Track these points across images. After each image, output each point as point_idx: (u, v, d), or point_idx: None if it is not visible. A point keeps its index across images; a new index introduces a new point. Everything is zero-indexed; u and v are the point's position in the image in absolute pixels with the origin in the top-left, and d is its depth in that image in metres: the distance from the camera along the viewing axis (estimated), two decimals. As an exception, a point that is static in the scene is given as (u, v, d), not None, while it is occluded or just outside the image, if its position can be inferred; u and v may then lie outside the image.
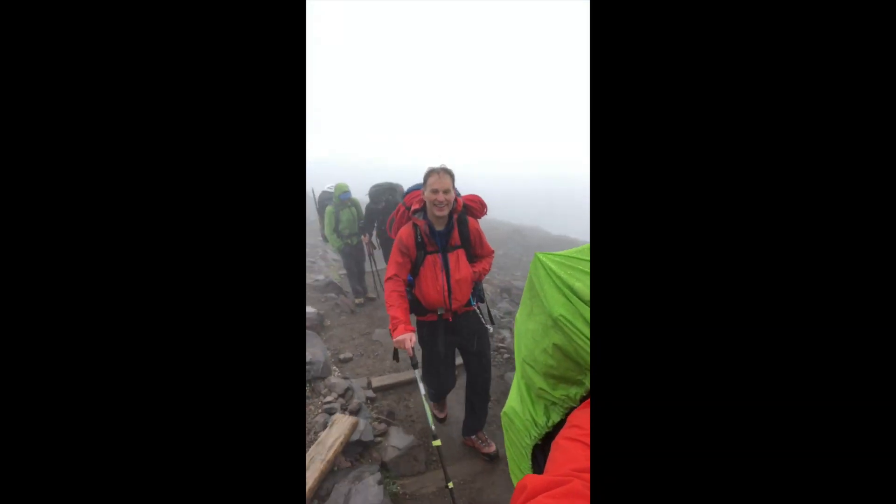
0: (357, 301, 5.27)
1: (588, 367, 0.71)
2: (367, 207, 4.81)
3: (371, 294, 5.51)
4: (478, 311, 2.41)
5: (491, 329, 2.51)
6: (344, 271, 6.08)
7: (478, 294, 2.45)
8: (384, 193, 4.57)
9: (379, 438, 2.74)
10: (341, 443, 2.40)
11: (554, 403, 0.78)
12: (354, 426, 2.55)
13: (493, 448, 2.59)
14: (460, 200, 2.19)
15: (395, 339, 2.02)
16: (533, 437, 0.82)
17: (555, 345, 0.75)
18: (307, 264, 6.73)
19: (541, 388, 0.79)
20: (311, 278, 5.93)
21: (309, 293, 5.40)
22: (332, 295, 5.49)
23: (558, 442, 0.61)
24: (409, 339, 2.02)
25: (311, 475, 2.15)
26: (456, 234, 2.18)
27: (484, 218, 2.35)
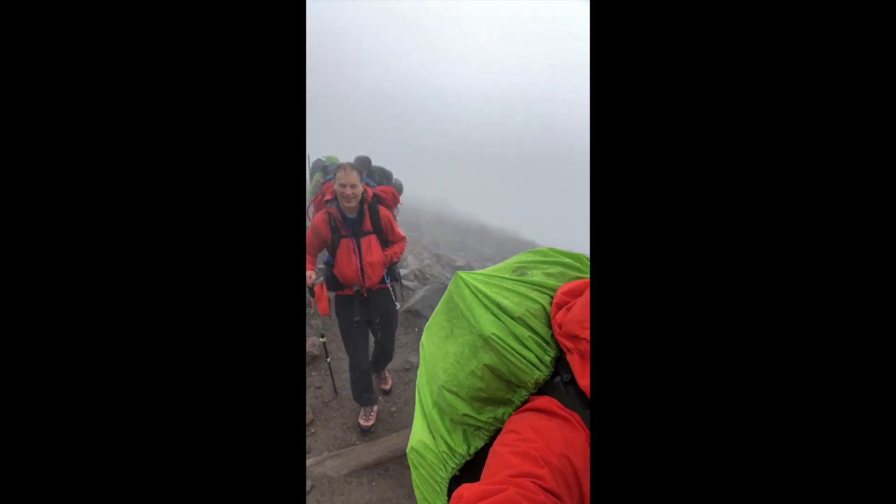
0: None
1: (520, 384, 0.69)
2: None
3: None
4: (391, 289, 2.67)
5: (399, 306, 2.82)
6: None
7: (392, 275, 2.70)
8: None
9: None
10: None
11: (479, 428, 0.73)
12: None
13: (389, 385, 3.22)
14: (370, 191, 2.47)
15: None
16: (450, 469, 0.76)
17: (485, 365, 0.70)
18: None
19: (465, 415, 0.73)
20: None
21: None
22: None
23: (495, 448, 0.60)
24: (310, 275, 2.40)
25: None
26: (368, 221, 2.44)
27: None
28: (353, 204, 2.34)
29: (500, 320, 0.71)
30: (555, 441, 0.58)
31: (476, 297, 0.75)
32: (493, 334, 0.70)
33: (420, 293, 4.77)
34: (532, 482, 0.51)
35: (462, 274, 0.80)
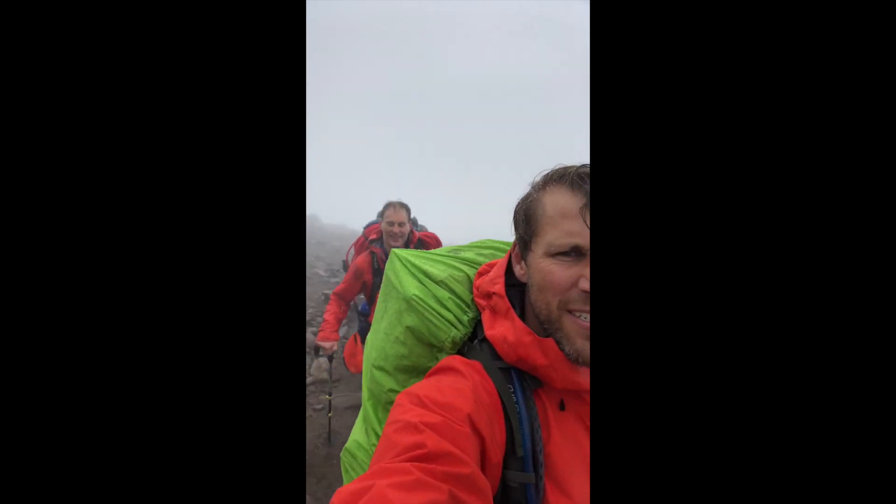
0: None
1: (439, 344, 0.72)
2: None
3: None
4: None
5: None
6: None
7: None
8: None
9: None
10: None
11: None
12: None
13: None
14: (416, 234, 2.46)
15: (318, 339, 2.36)
16: None
17: (407, 328, 0.74)
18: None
19: (391, 391, 0.75)
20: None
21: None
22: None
23: (383, 431, 0.59)
24: (332, 345, 2.38)
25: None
26: None
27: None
28: (400, 243, 2.34)
29: (424, 284, 0.76)
30: (436, 398, 0.58)
31: (405, 266, 0.80)
32: (415, 296, 0.74)
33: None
34: (408, 459, 0.50)
35: (396, 250, 0.85)
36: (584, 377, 0.64)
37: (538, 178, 0.68)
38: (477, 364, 0.66)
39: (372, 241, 2.51)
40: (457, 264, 0.80)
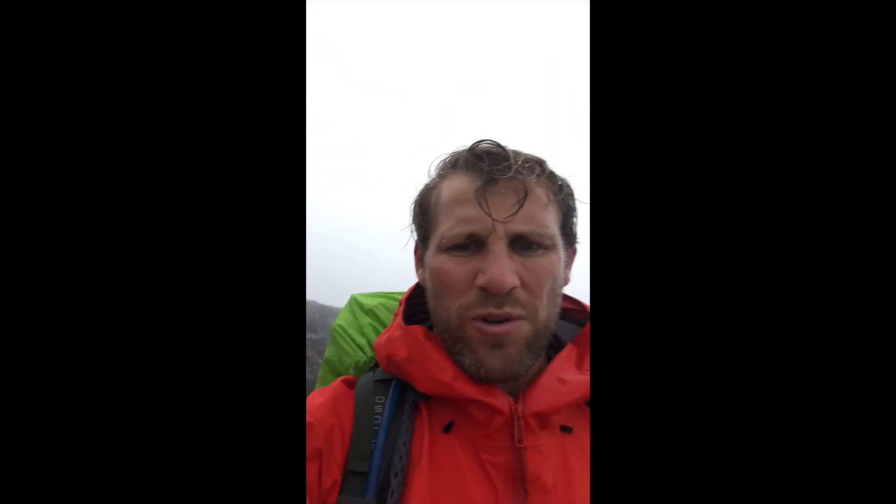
0: None
1: (345, 372, 0.69)
2: None
3: None
4: None
5: None
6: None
7: None
8: None
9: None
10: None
11: None
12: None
13: None
14: None
15: None
16: None
17: (325, 361, 0.72)
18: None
19: None
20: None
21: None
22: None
23: None
24: None
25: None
26: None
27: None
28: None
29: (354, 316, 0.73)
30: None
31: (349, 304, 0.77)
32: (339, 326, 0.72)
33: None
34: None
35: (355, 294, 0.82)
36: (471, 386, 0.53)
37: (436, 165, 0.60)
38: (339, 380, 0.60)
39: None
40: (399, 296, 0.74)
